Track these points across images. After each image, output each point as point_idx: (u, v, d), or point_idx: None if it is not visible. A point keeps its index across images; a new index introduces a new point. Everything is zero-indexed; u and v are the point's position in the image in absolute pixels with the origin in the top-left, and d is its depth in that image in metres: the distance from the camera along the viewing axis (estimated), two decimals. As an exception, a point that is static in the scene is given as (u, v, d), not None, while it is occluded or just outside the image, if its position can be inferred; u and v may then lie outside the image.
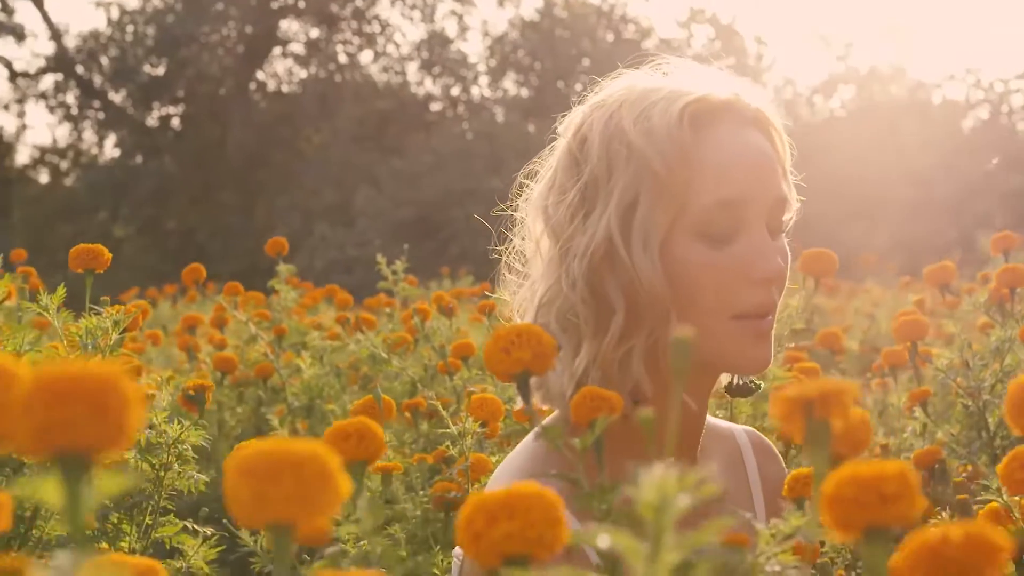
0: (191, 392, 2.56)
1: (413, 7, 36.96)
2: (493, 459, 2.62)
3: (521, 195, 2.11)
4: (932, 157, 33.41)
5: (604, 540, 0.81)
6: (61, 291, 2.58)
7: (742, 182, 1.86)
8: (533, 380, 1.97)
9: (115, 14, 35.74)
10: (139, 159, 34.95)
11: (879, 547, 0.85)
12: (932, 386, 3.43)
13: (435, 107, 36.66)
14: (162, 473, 2.54)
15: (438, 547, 2.68)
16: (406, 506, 2.80)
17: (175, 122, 36.49)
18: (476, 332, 5.62)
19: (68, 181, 36.93)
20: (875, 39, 44.34)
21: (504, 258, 2.12)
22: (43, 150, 36.96)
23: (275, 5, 35.80)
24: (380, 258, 4.53)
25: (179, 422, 2.55)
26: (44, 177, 37.49)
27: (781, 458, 2.34)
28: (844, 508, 0.87)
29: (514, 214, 2.12)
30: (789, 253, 1.98)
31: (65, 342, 2.56)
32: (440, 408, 2.80)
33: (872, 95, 38.14)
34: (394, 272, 4.55)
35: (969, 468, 3.08)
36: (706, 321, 1.85)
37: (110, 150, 36.87)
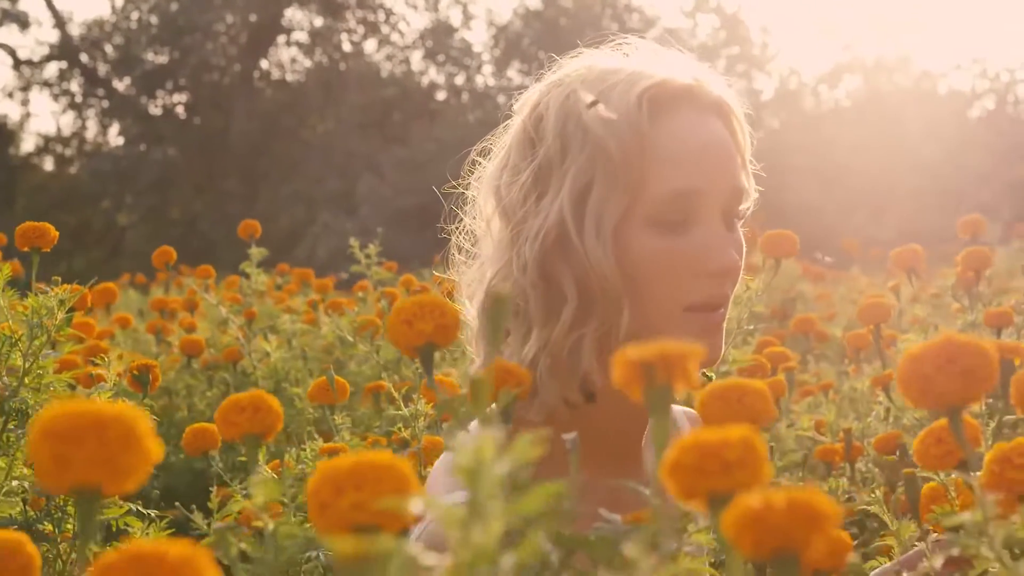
0: (135, 372, 2.54)
1: (418, -5, 36.97)
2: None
3: (473, 173, 2.07)
4: (938, 147, 33.35)
5: (416, 505, 0.78)
6: (6, 270, 2.55)
7: (697, 172, 1.83)
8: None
9: (119, 2, 35.74)
10: (143, 147, 34.86)
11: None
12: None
13: (439, 96, 36.62)
14: (106, 454, 2.51)
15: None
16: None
17: (179, 110, 36.46)
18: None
19: (72, 169, 36.93)
20: (881, 29, 44.21)
21: (453, 238, 2.09)
22: (47, 138, 36.97)
23: (279, -7, 35.79)
24: (353, 242, 4.50)
25: (123, 402, 2.51)
26: (48, 165, 37.51)
27: None
28: (686, 475, 0.84)
29: (465, 192, 2.09)
30: (744, 244, 1.95)
31: (11, 321, 2.53)
32: (393, 391, 2.77)
33: (878, 85, 38.05)
34: (367, 256, 4.52)
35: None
36: (657, 312, 1.82)
37: (114, 138, 36.87)
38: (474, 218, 2.05)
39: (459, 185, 2.09)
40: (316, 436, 3.02)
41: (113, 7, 35.84)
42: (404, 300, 1.37)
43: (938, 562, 1.14)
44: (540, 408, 1.85)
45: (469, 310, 1.98)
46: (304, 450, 2.58)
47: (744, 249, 1.93)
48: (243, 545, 1.33)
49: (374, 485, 0.89)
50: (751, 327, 2.93)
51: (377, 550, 0.71)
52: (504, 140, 2.00)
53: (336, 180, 31.75)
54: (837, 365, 5.33)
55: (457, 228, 2.09)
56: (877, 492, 1.82)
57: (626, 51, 1.99)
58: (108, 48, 35.72)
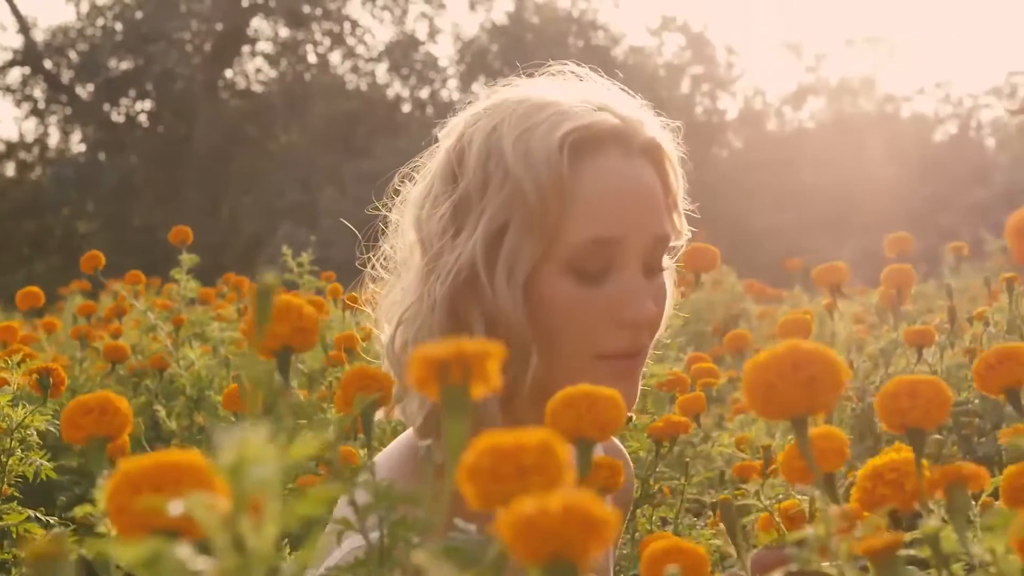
0: (37, 375, 2.49)
1: (384, 8, 36.92)
2: (362, 452, 2.55)
3: (399, 194, 2.01)
4: (900, 170, 33.56)
5: (176, 507, 0.75)
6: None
7: (618, 220, 1.77)
8: (397, 399, 1.89)
9: (84, 8, 35.60)
10: (105, 155, 34.75)
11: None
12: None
13: (404, 109, 36.63)
14: (4, 459, 2.47)
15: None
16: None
17: (142, 118, 36.33)
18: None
19: (34, 176, 36.73)
20: (846, 51, 44.52)
21: (369, 267, 2.03)
22: (9, 144, 36.75)
23: (245, 3, 35.69)
24: (285, 250, 4.48)
25: (23, 406, 2.47)
26: (10, 171, 37.26)
27: (626, 465, 2.28)
28: (481, 480, 0.81)
29: (388, 215, 2.02)
30: (669, 289, 1.91)
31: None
32: (301, 399, 2.74)
33: (841, 107, 38.28)
34: (300, 265, 4.50)
35: (853, 474, 3.03)
36: (567, 359, 1.77)
37: (76, 145, 36.71)
38: (393, 244, 1.98)
39: (382, 207, 2.03)
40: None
41: (78, 13, 35.71)
42: (261, 302, 1.34)
43: (777, 577, 1.11)
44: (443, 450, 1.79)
45: (386, 335, 1.92)
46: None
47: (668, 294, 1.89)
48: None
49: (174, 487, 0.85)
50: (668, 340, 2.90)
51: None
52: (431, 165, 1.93)
53: (298, 192, 31.73)
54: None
55: (375, 252, 2.03)
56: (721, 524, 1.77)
57: (561, 82, 1.94)
58: (72, 54, 35.57)
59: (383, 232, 2.03)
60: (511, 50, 35.02)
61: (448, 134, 1.91)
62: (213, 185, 33.95)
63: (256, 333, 0.86)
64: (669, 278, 1.95)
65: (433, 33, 37.57)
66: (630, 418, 2.06)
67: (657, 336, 1.89)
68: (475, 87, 35.96)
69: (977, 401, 3.08)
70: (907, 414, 1.22)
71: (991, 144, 38.48)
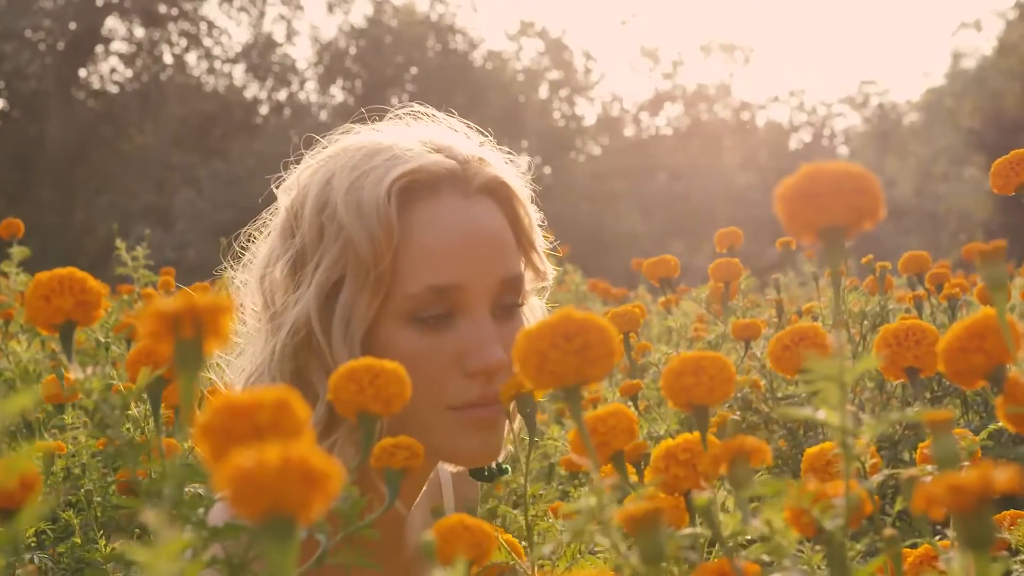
0: None
1: (241, 10, 36.64)
2: (186, 444, 2.52)
3: (243, 255, 1.95)
4: (755, 177, 34.07)
5: None
6: None
7: (454, 266, 1.71)
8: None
9: (-67, 5, 34.89)
10: (-48, 155, 34.07)
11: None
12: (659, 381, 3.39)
13: (261, 111, 36.41)
14: None
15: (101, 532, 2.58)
16: (89, 489, 2.69)
17: (-8, 118, 35.69)
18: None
19: None
20: (702, 58, 45.03)
21: None
22: None
23: (99, 2, 35.20)
24: (119, 243, 4.42)
25: None
26: None
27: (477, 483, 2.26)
28: (216, 438, 0.79)
29: (234, 272, 1.95)
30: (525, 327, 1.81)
31: None
32: (121, 389, 2.69)
33: (698, 114, 38.75)
34: (134, 259, 4.44)
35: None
36: (418, 413, 1.67)
37: (-77, 144, 35.92)
38: (242, 305, 1.90)
39: (228, 267, 1.96)
40: (46, 435, 2.94)
41: (-74, 11, 34.95)
42: (43, 274, 1.30)
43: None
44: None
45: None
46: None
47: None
48: None
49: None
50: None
51: None
52: (274, 223, 1.88)
53: (153, 193, 31.41)
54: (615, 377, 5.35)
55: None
56: (520, 518, 1.73)
57: (407, 124, 1.89)
58: (-80, 52, 34.84)
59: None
60: (369, 53, 35.02)
61: (288, 188, 1.86)
62: (67, 186, 33.43)
63: None
64: (534, 318, 1.89)
65: (291, 35, 37.44)
66: (505, 469, 1.97)
67: None
68: (333, 90, 35.87)
69: (806, 395, 3.11)
70: (691, 391, 1.22)
71: (844, 152, 39.27)
